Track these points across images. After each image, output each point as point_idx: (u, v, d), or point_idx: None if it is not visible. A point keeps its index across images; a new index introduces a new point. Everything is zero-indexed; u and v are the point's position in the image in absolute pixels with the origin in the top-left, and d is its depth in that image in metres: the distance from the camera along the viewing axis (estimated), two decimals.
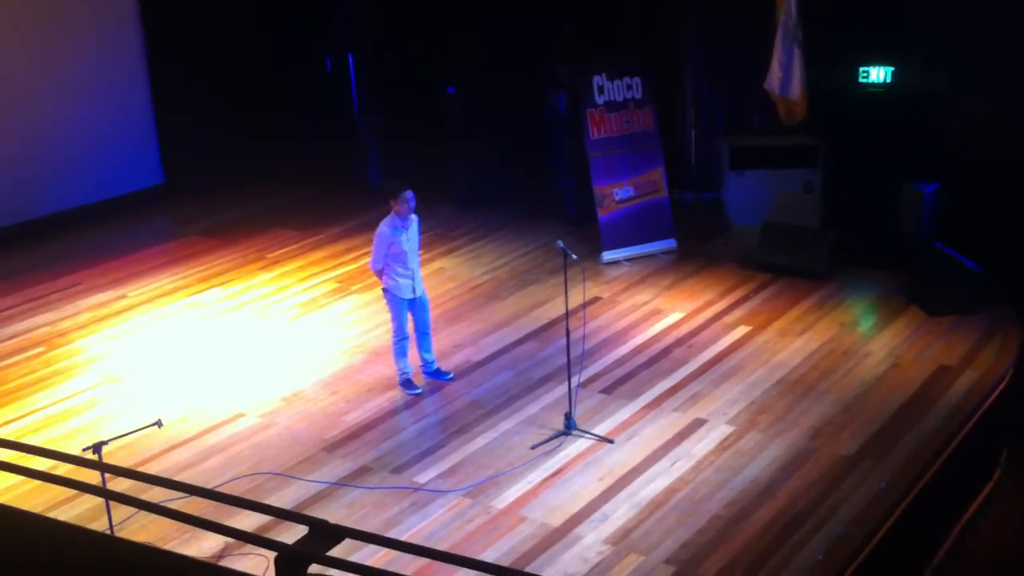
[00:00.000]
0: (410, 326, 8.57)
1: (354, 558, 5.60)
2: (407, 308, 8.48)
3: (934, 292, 9.64)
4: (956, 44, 10.22)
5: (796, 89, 10.85)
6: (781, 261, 10.55)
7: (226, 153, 13.87)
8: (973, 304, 9.49)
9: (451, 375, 8.81)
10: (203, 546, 6.62)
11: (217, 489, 7.17)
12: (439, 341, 9.35)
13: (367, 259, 11.24)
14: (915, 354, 8.85)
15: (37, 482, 6.96)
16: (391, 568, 5.97)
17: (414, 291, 8.43)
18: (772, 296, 10.13)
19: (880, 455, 7.39)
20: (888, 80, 10.93)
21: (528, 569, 6.32)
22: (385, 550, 6.11)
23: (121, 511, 6.75)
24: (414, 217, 8.39)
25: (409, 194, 8.19)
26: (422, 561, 6.18)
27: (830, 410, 8.01)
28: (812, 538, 6.54)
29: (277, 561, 2.90)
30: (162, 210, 13.75)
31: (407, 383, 8.63)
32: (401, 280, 8.34)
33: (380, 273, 8.45)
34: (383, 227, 8.27)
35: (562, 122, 12.40)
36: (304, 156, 14.56)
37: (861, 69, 11.02)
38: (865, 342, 9.12)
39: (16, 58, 12.53)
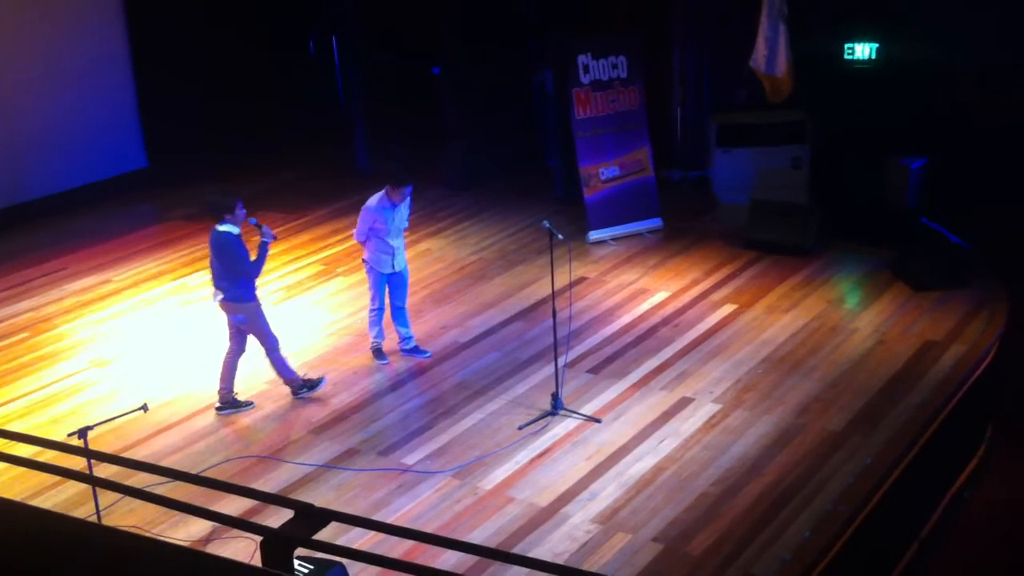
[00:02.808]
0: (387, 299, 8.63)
1: (342, 541, 5.60)
2: (385, 281, 8.53)
3: (920, 267, 9.65)
4: (941, 19, 10.20)
5: (782, 66, 10.82)
6: (769, 238, 10.54)
7: (210, 137, 13.76)
8: (959, 279, 9.51)
9: (429, 353, 8.81)
10: (190, 530, 6.60)
11: (204, 473, 7.15)
12: (426, 322, 9.34)
13: (352, 240, 11.25)
14: (901, 329, 8.86)
15: (22, 469, 6.93)
16: (380, 550, 5.97)
17: (393, 266, 8.46)
18: (759, 274, 10.12)
19: (867, 430, 7.41)
20: (873, 56, 10.90)
21: (516, 549, 6.32)
22: (374, 532, 6.10)
23: (107, 496, 6.72)
24: (407, 200, 8.41)
25: (408, 190, 8.31)
26: (410, 543, 6.18)
27: (817, 387, 8.02)
28: (800, 514, 6.55)
29: (263, 545, 2.88)
30: (146, 194, 13.65)
31: (378, 351, 8.72)
32: (382, 255, 8.42)
33: (364, 244, 8.50)
34: (371, 203, 8.29)
35: (550, 101, 12.35)
36: (289, 139, 14.47)
37: (846, 45, 10.98)
38: (852, 318, 9.13)
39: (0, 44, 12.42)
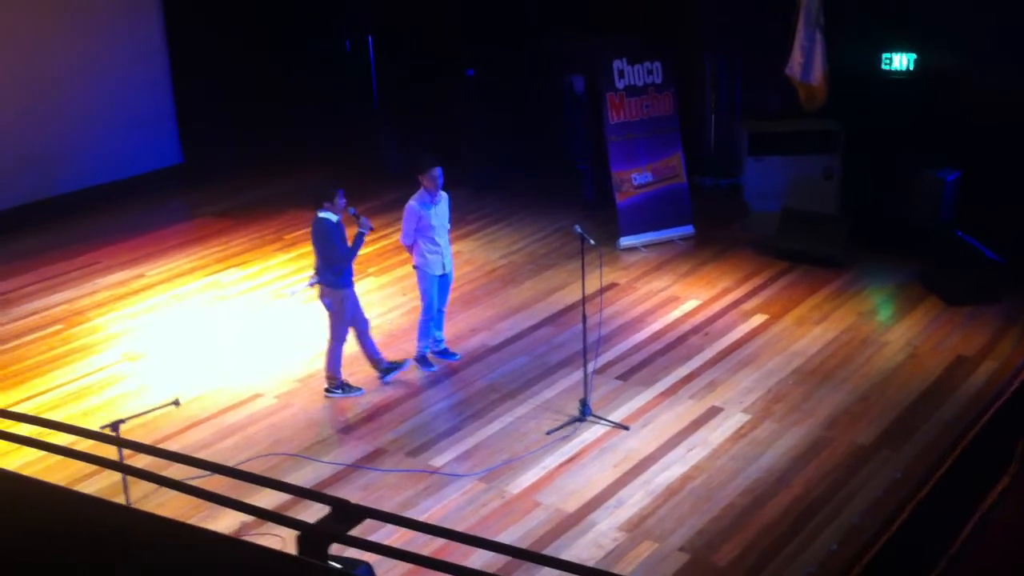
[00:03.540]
0: None
1: (370, 539, 5.63)
2: (436, 284, 8.51)
3: (953, 281, 9.58)
4: (979, 32, 10.13)
5: (817, 74, 10.79)
6: (799, 248, 10.51)
7: (244, 134, 13.87)
8: (992, 294, 9.43)
9: (458, 356, 8.84)
10: (218, 525, 6.65)
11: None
12: (456, 324, 9.37)
13: (384, 240, 11.31)
14: (933, 344, 8.81)
15: (57, 458, 7.01)
16: (409, 549, 5.99)
17: (443, 267, 8.47)
18: (790, 284, 10.09)
19: (897, 445, 7.37)
20: (911, 68, 10.83)
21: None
22: (401, 531, 6.14)
23: (139, 489, 6.79)
24: (443, 194, 8.42)
25: (437, 171, 8.26)
26: (438, 543, 6.20)
27: (847, 399, 7.99)
28: (827, 527, 6.54)
29: (300, 539, 2.91)
30: (180, 190, 13.78)
31: (423, 359, 8.68)
32: (431, 256, 8.40)
33: (411, 248, 8.49)
34: (412, 202, 8.32)
35: (581, 105, 12.36)
36: (323, 138, 14.56)
37: (884, 55, 10.93)
38: (883, 331, 9.09)
39: (36, 38, 12.54)
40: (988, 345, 8.73)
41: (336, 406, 8.21)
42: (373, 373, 8.52)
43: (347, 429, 7.89)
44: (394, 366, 8.50)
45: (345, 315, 8.19)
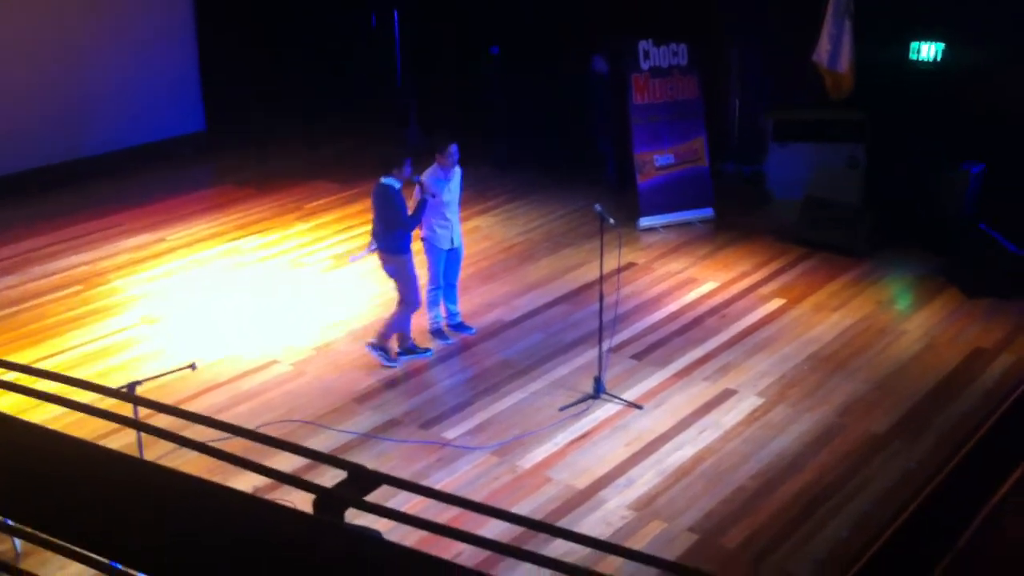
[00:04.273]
0: None
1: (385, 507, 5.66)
2: (444, 258, 8.52)
3: (974, 274, 9.53)
4: (1009, 23, 10.02)
5: (844, 63, 10.71)
6: (820, 237, 10.46)
7: (268, 104, 13.89)
8: (1013, 288, 9.38)
9: (474, 330, 8.86)
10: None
11: None
12: (472, 299, 9.38)
13: None
14: (951, 335, 8.77)
15: (75, 417, 7.07)
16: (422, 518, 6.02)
17: (452, 241, 8.49)
18: (808, 270, 10.05)
19: (911, 435, 7.35)
20: (939, 58, 10.74)
21: None
22: (413, 501, 6.17)
23: (154, 450, 6.84)
24: (458, 169, 8.43)
25: (453, 147, 8.26)
26: (451, 513, 6.23)
27: (862, 387, 7.97)
28: (838, 514, 6.53)
29: (316, 503, 2.92)
30: (203, 157, 13.82)
31: (438, 332, 8.71)
32: (440, 231, 8.41)
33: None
34: (426, 176, 8.31)
35: (605, 86, 12.31)
36: (346, 110, 14.56)
37: (912, 45, 10.84)
38: (901, 321, 9.05)
39: (66, 3, 12.57)
40: (1007, 339, 8.69)
41: (351, 375, 8.23)
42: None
43: (361, 399, 7.92)
44: (416, 351, 8.48)
45: (411, 277, 8.24)
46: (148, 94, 13.46)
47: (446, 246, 8.50)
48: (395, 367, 8.33)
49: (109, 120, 13.13)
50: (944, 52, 10.70)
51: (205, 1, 13.75)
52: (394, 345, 8.44)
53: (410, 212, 8.15)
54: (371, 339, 8.40)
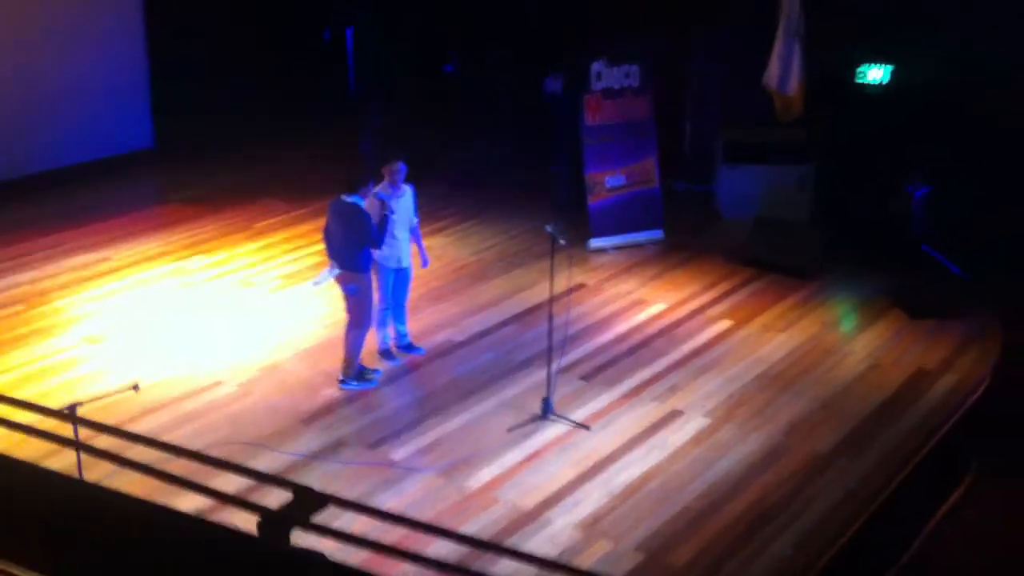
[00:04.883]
0: None
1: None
2: (392, 277, 8.47)
3: (918, 295, 9.66)
4: (954, 46, 10.22)
5: (794, 85, 10.85)
6: (769, 257, 10.56)
7: (218, 120, 13.78)
8: (956, 309, 9.52)
9: (423, 350, 8.81)
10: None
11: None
12: (422, 319, 9.34)
13: None
14: (896, 356, 8.88)
15: (17, 437, 6.91)
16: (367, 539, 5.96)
17: (400, 261, 8.42)
18: (757, 291, 10.14)
19: (855, 454, 7.42)
20: (886, 80, 10.92)
21: None
22: (359, 522, 6.10)
23: (95, 471, 6.71)
24: (407, 188, 8.37)
25: (401, 165, 8.21)
26: (398, 534, 6.17)
27: (808, 407, 8.04)
28: (783, 533, 6.57)
29: (260, 525, 2.87)
30: (151, 174, 13.67)
31: (386, 352, 8.66)
32: (387, 249, 8.32)
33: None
34: (376, 191, 8.24)
35: (559, 106, 12.36)
36: (297, 127, 14.49)
37: (860, 69, 11.01)
38: (847, 341, 9.15)
39: (9, 14, 12.41)
40: (949, 359, 8.81)
41: (297, 396, 8.15)
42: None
43: (307, 419, 7.84)
44: (364, 377, 8.36)
45: (370, 300, 8.17)
46: (95, 109, 13.30)
47: (393, 265, 8.44)
48: (375, 385, 8.28)
49: (55, 136, 12.96)
50: (892, 73, 10.87)
51: (155, 16, 13.64)
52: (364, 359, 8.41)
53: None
54: (339, 377, 8.31)
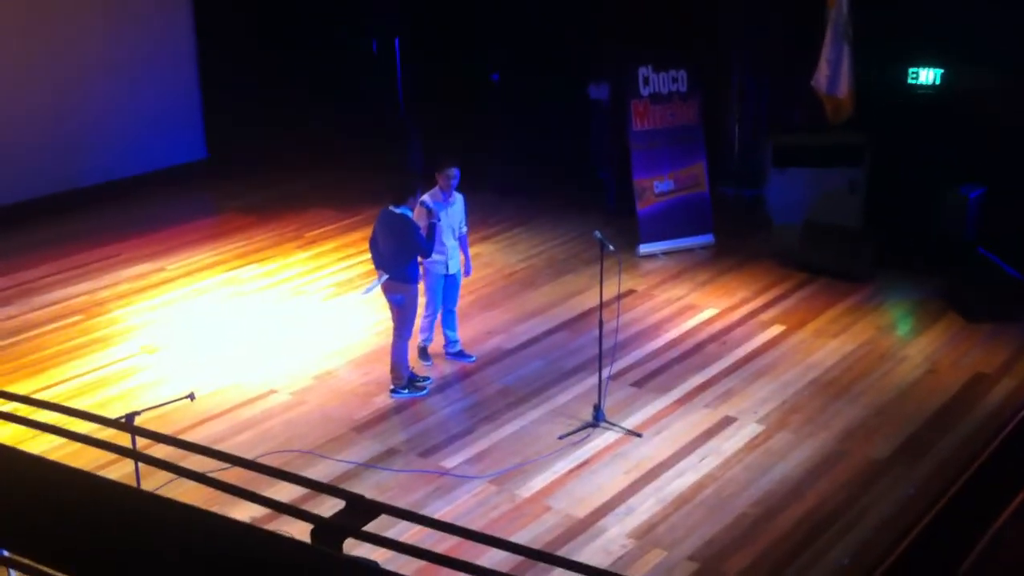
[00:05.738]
0: None
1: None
2: (441, 284, 8.52)
3: (974, 298, 9.51)
4: (1006, 48, 10.06)
5: (843, 87, 10.74)
6: (821, 260, 10.45)
7: (269, 131, 13.95)
8: (1013, 312, 9.36)
9: (473, 358, 8.84)
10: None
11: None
12: (472, 326, 9.37)
13: None
14: (952, 360, 8.74)
15: (75, 447, 7.05)
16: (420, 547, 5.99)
17: (448, 268, 8.46)
18: (809, 296, 10.04)
19: (912, 461, 7.32)
20: (937, 82, 10.77)
21: None
22: (412, 531, 6.13)
23: (152, 480, 6.82)
24: (458, 195, 8.42)
25: (455, 170, 8.28)
26: (450, 543, 6.20)
27: (863, 413, 7.94)
28: (839, 541, 6.49)
29: (314, 533, 2.91)
30: (204, 185, 13.87)
31: (423, 351, 8.77)
32: (437, 256, 8.39)
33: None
34: (425, 197, 8.29)
35: (605, 112, 12.35)
36: (347, 137, 14.60)
37: (911, 70, 10.87)
38: (902, 346, 9.03)
39: (67, 30, 12.67)
40: (1007, 363, 8.66)
41: (350, 404, 8.22)
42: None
43: (360, 428, 7.90)
44: (415, 386, 8.42)
45: (414, 310, 8.25)
46: (149, 122, 13.53)
47: (441, 271, 8.49)
48: (426, 392, 8.35)
49: (110, 148, 13.20)
50: (942, 76, 10.73)
51: (206, 28, 13.85)
52: (414, 364, 8.49)
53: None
54: (390, 387, 8.37)
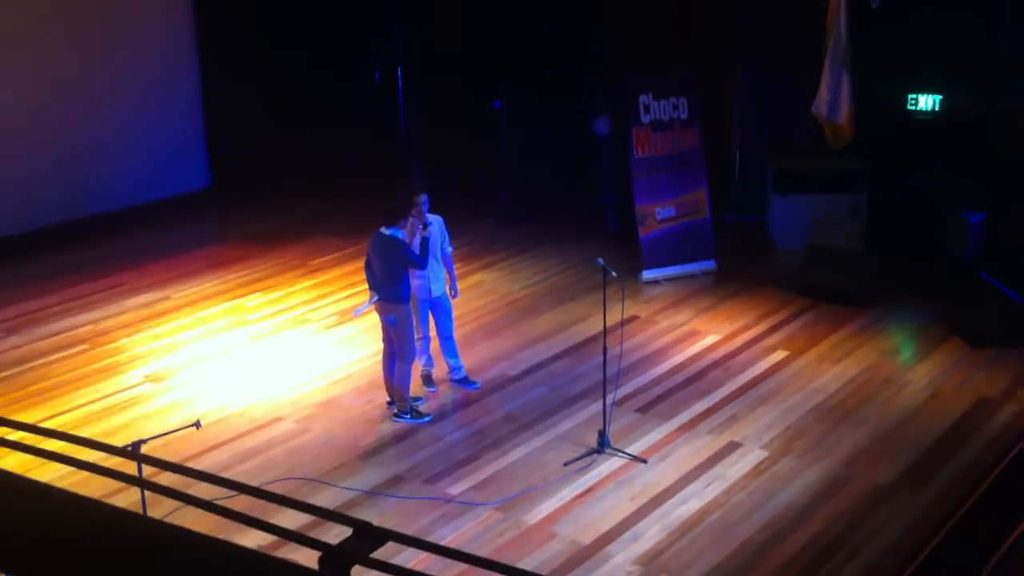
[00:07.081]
0: (433, 330, 8.74)
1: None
2: (426, 308, 8.57)
3: (977, 323, 9.53)
4: (1004, 73, 10.14)
5: (843, 113, 10.82)
6: (823, 283, 10.48)
7: (272, 160, 14.03)
8: (1016, 336, 9.38)
9: (477, 384, 8.86)
10: None
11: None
12: (476, 354, 9.40)
13: None
14: (955, 385, 8.76)
15: (80, 476, 7.07)
16: (428, 574, 5.99)
17: (431, 292, 8.50)
18: (811, 321, 10.07)
19: (917, 485, 7.32)
20: (937, 108, 10.85)
21: None
22: (420, 555, 6.14)
23: (159, 509, 6.83)
24: (434, 217, 8.43)
25: (421, 197, 8.34)
26: (456, 570, 6.20)
27: (867, 438, 7.95)
28: (845, 566, 6.49)
29: (321, 560, 2.92)
30: (207, 213, 13.93)
31: (427, 378, 8.80)
32: (417, 280, 8.43)
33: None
34: (407, 226, 8.35)
35: (607, 139, 12.42)
36: (350, 165, 14.69)
37: (910, 96, 10.95)
38: (905, 371, 9.05)
39: (69, 59, 12.76)
40: (1010, 388, 8.68)
41: (355, 432, 8.23)
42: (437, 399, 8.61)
43: (365, 455, 7.92)
44: (415, 410, 8.44)
45: (411, 331, 8.28)
46: (152, 151, 13.60)
47: (424, 295, 8.52)
48: (430, 419, 8.36)
49: (114, 178, 13.27)
50: (941, 102, 10.81)
51: (209, 57, 13.95)
52: (417, 386, 8.54)
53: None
54: (394, 411, 8.40)
